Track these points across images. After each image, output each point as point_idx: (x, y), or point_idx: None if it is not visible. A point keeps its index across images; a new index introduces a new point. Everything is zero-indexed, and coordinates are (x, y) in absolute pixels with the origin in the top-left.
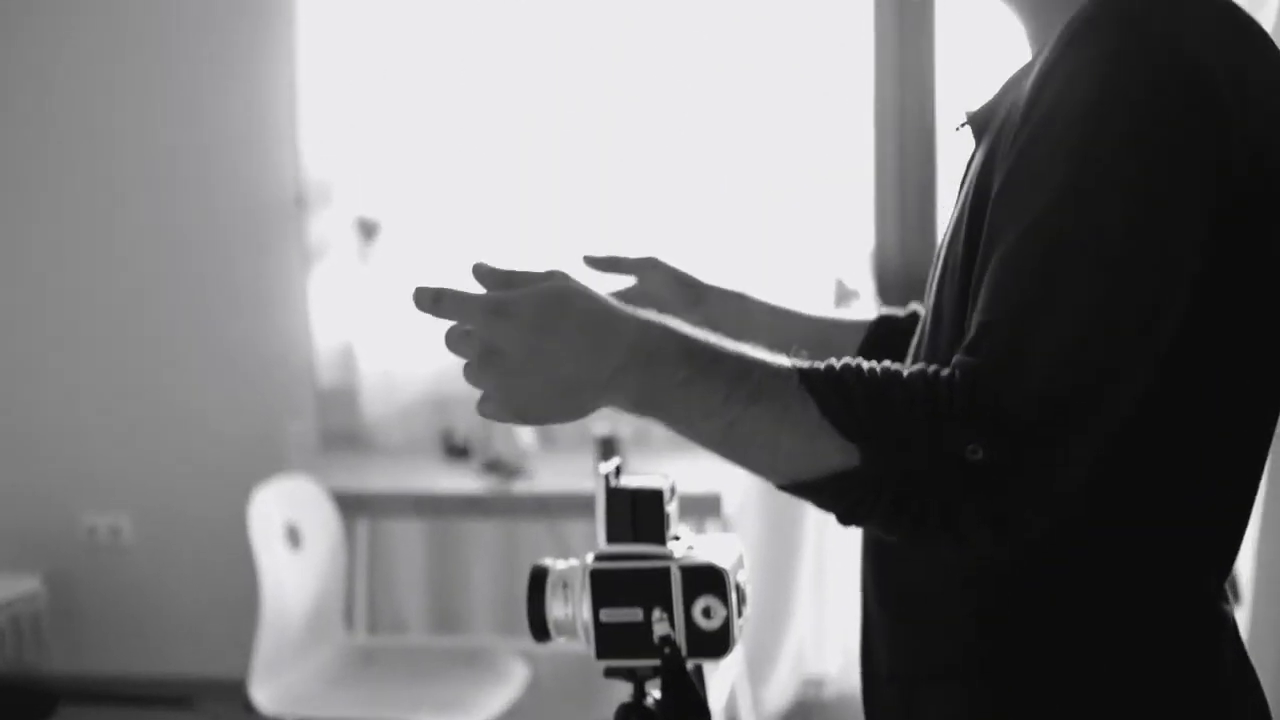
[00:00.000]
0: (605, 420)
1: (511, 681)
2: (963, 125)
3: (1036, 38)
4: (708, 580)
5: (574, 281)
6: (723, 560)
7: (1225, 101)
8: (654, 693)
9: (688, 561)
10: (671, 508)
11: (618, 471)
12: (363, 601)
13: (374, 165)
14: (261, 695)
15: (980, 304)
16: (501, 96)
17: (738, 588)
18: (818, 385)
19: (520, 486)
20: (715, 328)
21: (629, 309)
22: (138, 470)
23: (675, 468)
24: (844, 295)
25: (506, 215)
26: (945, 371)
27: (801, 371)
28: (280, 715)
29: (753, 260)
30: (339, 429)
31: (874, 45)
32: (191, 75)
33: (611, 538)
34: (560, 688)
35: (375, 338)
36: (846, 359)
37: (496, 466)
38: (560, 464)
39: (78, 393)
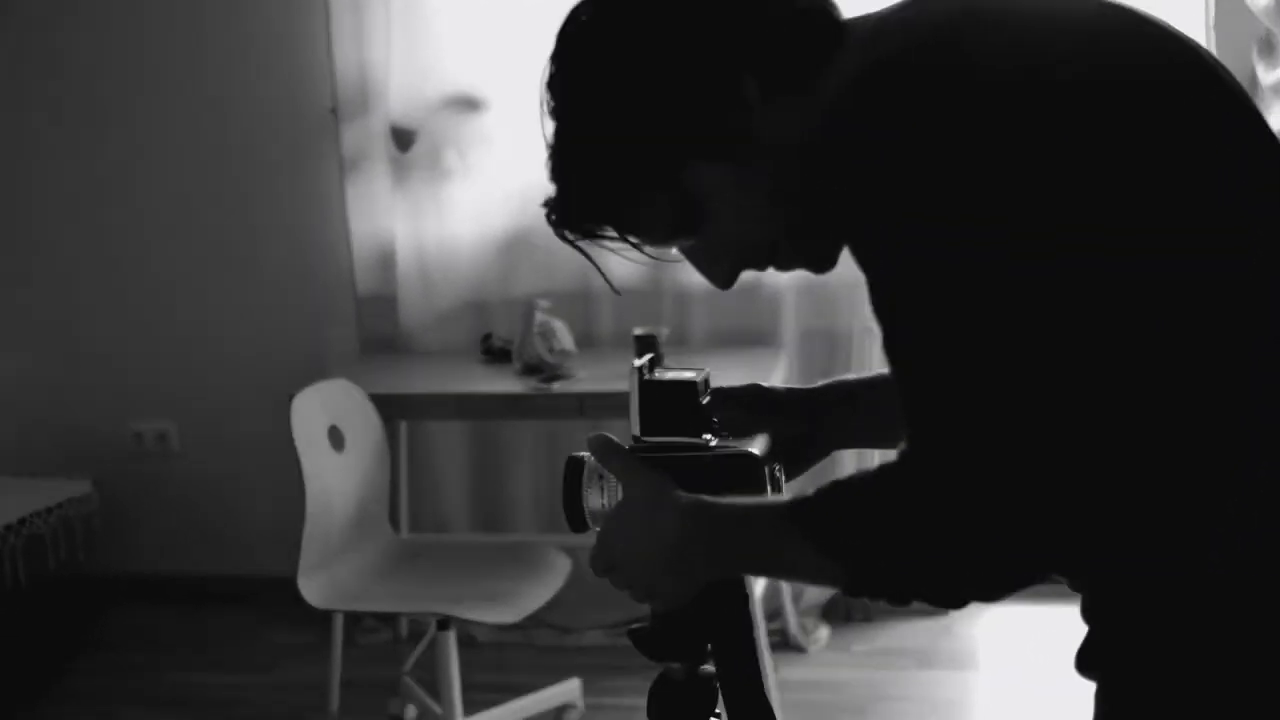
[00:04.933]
0: (644, 318)
1: (554, 574)
2: None
3: None
4: (742, 469)
5: (641, 505)
6: (757, 449)
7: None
8: None
9: (721, 451)
10: (706, 400)
11: (651, 365)
12: (405, 502)
13: (409, 74)
14: (309, 589)
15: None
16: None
17: (772, 477)
18: (801, 518)
19: (559, 387)
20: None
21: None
22: (183, 378)
23: (713, 364)
24: None
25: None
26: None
27: (790, 507)
28: (328, 607)
29: None
30: (378, 335)
31: None
32: None
33: (646, 431)
34: (603, 580)
35: (413, 245)
36: (832, 481)
37: (536, 369)
38: (599, 364)
39: (124, 302)
